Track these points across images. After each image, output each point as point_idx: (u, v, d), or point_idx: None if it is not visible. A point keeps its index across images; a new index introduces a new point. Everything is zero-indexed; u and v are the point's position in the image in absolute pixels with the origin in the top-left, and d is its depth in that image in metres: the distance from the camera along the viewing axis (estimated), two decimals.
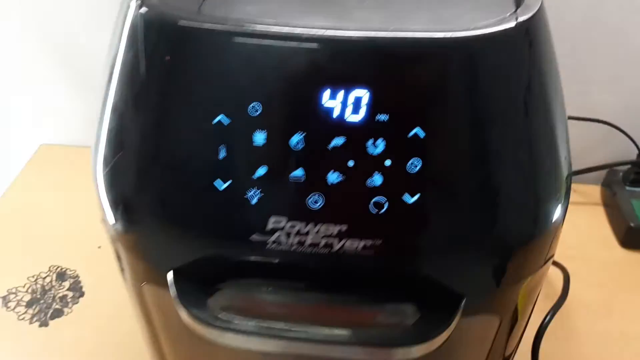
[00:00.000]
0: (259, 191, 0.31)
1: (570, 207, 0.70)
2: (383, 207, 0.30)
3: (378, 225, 0.31)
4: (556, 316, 0.57)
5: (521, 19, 0.28)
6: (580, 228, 0.72)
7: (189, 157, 0.31)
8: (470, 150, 0.30)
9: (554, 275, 0.62)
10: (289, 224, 0.31)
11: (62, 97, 0.80)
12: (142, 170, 0.32)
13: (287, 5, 0.31)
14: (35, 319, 0.60)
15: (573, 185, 0.75)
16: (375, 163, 0.30)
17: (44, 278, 0.64)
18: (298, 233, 0.31)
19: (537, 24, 0.30)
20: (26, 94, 0.80)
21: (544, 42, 0.31)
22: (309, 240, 0.31)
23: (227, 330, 0.33)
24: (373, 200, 0.30)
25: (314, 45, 0.28)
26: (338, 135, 0.29)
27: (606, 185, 0.75)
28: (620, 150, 0.73)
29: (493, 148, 0.31)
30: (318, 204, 0.30)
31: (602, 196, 0.76)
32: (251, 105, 0.29)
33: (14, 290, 0.63)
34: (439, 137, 0.29)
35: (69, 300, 0.62)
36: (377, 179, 0.30)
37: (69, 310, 0.61)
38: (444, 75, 0.29)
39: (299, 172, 0.30)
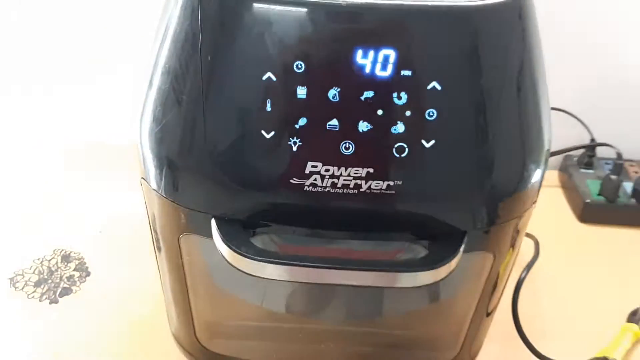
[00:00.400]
0: (299, 139, 0.36)
1: None
2: (404, 152, 0.36)
3: (400, 168, 0.36)
4: (528, 281, 0.64)
5: None
6: (543, 207, 0.79)
7: (239, 110, 0.36)
8: (475, 108, 0.37)
9: (523, 246, 0.69)
10: (324, 167, 0.36)
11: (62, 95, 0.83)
12: (193, 125, 0.37)
13: None
14: (44, 297, 0.63)
15: None
16: (399, 113, 0.35)
17: (49, 260, 0.67)
18: (332, 176, 0.37)
19: (529, 1, 0.36)
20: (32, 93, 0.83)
21: (533, 18, 0.37)
22: (340, 182, 0.37)
23: (269, 262, 0.37)
24: (396, 145, 0.36)
25: (350, 11, 0.34)
26: (368, 89, 0.35)
27: (563, 169, 0.84)
28: (574, 136, 0.82)
29: (495, 106, 0.37)
30: (349, 150, 0.36)
31: (560, 179, 0.85)
32: (295, 64, 0.34)
33: (20, 272, 0.65)
34: (452, 91, 0.36)
35: (77, 279, 0.65)
36: (400, 127, 0.36)
37: (78, 288, 0.64)
38: (454, 38, 0.35)
39: (334, 122, 0.36)
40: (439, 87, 0.35)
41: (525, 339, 0.56)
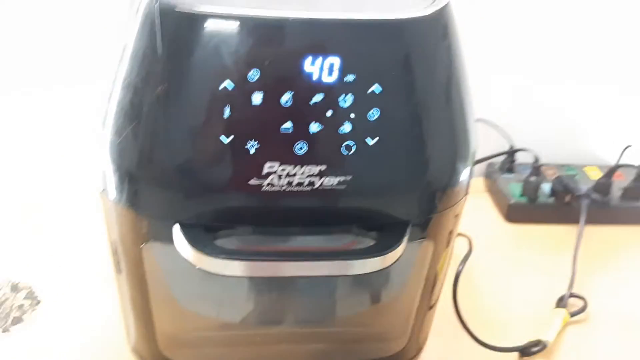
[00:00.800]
0: (256, 142, 0.39)
1: None
2: (352, 149, 0.40)
3: (349, 164, 0.40)
4: (465, 278, 0.70)
5: (439, 6, 0.40)
6: (473, 211, 0.85)
7: (199, 118, 0.39)
8: (411, 110, 0.41)
9: (458, 246, 0.75)
10: (280, 167, 0.40)
11: None
12: (154, 136, 0.40)
13: None
14: None
15: None
16: (345, 114, 0.39)
17: None
18: (287, 175, 0.40)
19: (450, 14, 0.42)
20: None
21: (455, 29, 0.43)
22: (296, 180, 0.40)
23: (232, 259, 0.40)
24: (344, 144, 0.40)
25: (298, 25, 0.38)
26: (317, 93, 0.39)
27: (488, 175, 0.91)
28: (494, 144, 0.89)
29: (427, 107, 0.42)
30: (303, 150, 0.40)
31: (485, 185, 0.92)
32: (250, 73, 0.38)
33: None
34: (390, 94, 0.40)
35: (27, 308, 0.65)
36: (347, 127, 0.40)
37: (29, 317, 0.64)
38: (389, 47, 0.40)
39: (288, 125, 0.39)
40: (378, 91, 0.39)
41: (467, 328, 0.61)
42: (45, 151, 0.84)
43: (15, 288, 0.67)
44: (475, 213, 0.85)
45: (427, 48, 0.41)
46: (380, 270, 0.43)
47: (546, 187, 0.85)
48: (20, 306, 0.65)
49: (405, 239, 0.44)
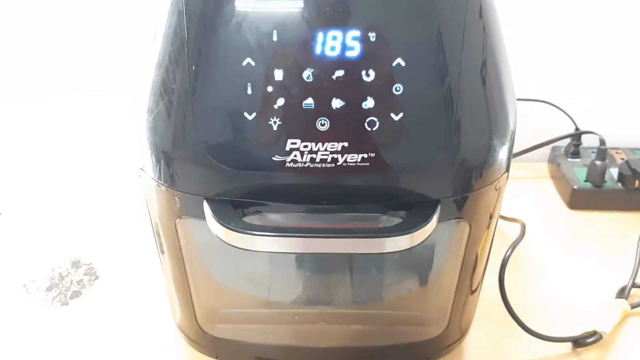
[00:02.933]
0: (278, 119, 0.39)
1: (522, 180, 0.81)
2: (375, 125, 0.39)
3: (372, 140, 0.40)
4: (518, 265, 0.67)
5: None
6: (533, 197, 0.83)
7: (224, 95, 0.39)
8: (438, 83, 0.40)
9: (511, 230, 0.72)
10: (303, 144, 0.40)
11: None
12: (183, 112, 0.41)
13: None
14: (56, 299, 0.66)
15: (523, 164, 0.87)
16: (368, 89, 0.39)
17: (60, 267, 0.70)
18: (310, 151, 0.40)
19: None
20: None
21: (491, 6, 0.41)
22: (319, 157, 0.40)
23: (257, 235, 0.41)
24: (367, 119, 0.39)
25: None
26: (339, 68, 0.38)
27: (551, 160, 0.87)
28: (558, 127, 0.85)
29: (456, 81, 0.40)
30: (325, 126, 0.39)
31: (549, 171, 0.87)
32: (272, 49, 0.38)
33: (33, 279, 0.69)
34: (415, 67, 0.39)
35: (86, 283, 0.68)
36: (370, 102, 0.39)
37: (87, 291, 0.67)
38: (414, 18, 0.39)
39: (309, 100, 0.39)
40: (403, 64, 0.38)
41: (514, 316, 0.59)
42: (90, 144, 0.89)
43: (76, 264, 0.71)
44: (535, 200, 0.82)
45: (455, 19, 0.39)
46: (408, 249, 0.42)
47: (614, 173, 0.80)
48: (80, 281, 0.68)
49: (435, 218, 0.42)
